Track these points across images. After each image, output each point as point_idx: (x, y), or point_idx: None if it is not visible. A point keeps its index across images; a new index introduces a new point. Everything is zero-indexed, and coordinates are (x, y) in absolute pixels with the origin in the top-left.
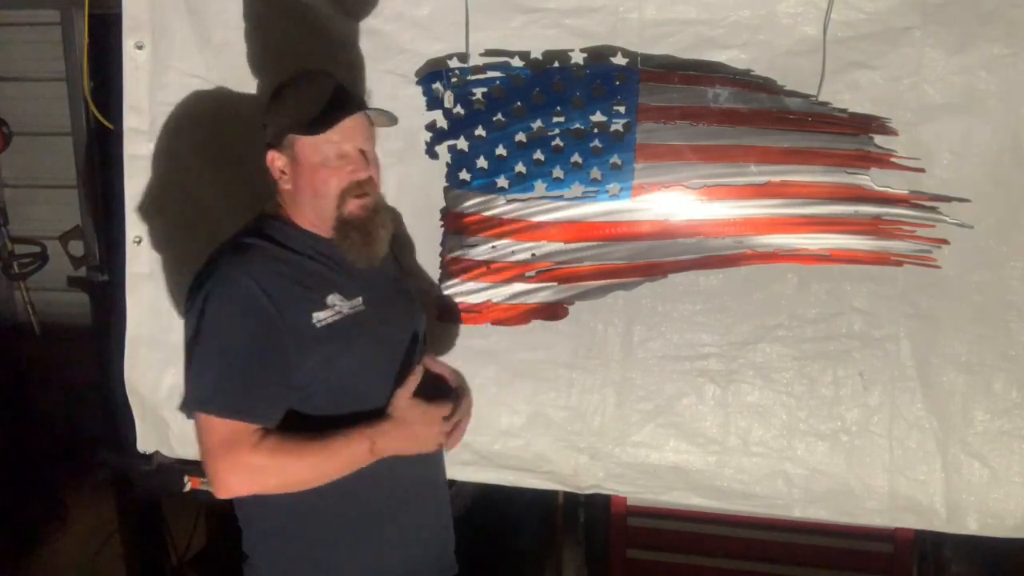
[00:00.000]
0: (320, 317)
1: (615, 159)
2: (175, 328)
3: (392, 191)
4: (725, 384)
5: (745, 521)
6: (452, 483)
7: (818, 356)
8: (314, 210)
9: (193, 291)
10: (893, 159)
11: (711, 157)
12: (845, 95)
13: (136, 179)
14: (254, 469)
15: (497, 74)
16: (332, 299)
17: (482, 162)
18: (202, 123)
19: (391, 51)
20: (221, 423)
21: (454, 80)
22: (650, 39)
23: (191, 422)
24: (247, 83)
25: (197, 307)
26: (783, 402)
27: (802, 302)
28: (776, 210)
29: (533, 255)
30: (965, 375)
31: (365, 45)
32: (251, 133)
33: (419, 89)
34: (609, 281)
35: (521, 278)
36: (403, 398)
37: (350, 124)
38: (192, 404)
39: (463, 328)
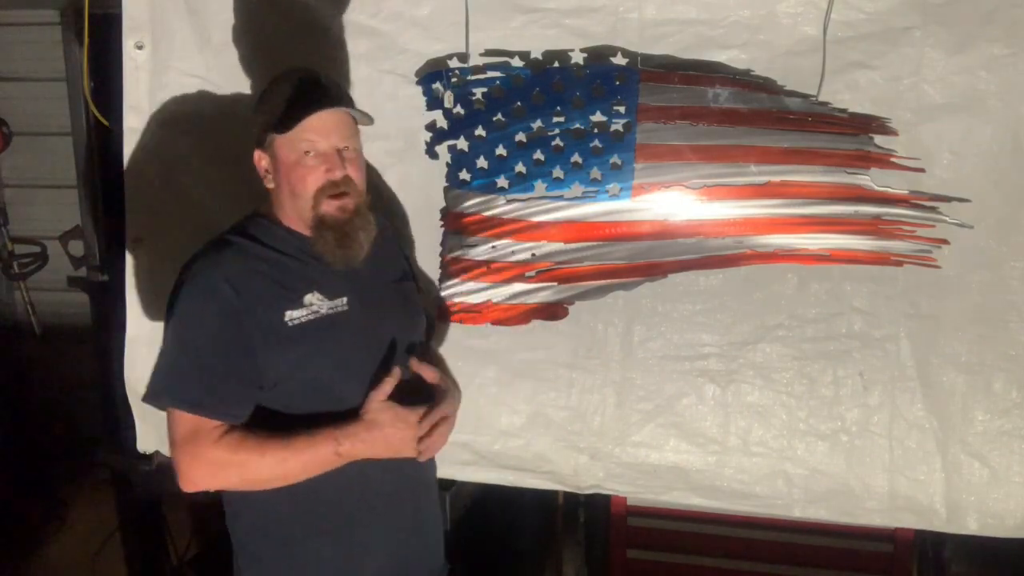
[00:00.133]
0: (294, 316)
1: (615, 159)
2: None
3: (392, 191)
4: (725, 384)
5: (745, 521)
6: (452, 483)
7: (818, 356)
8: (294, 209)
9: (173, 287)
10: (893, 159)
11: (711, 157)
12: (845, 95)
13: (136, 179)
14: (215, 463)
15: (497, 74)
16: (310, 298)
17: (482, 162)
18: (202, 123)
19: (391, 51)
20: (185, 416)
21: (454, 80)
22: (650, 39)
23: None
24: (247, 83)
25: (171, 302)
26: (783, 402)
27: (802, 302)
28: (776, 210)
29: (533, 255)
30: (965, 375)
31: (365, 45)
32: (250, 133)
33: (419, 89)
34: (609, 281)
35: (521, 278)
36: (376, 400)
37: (325, 123)
38: (152, 396)
39: (463, 328)
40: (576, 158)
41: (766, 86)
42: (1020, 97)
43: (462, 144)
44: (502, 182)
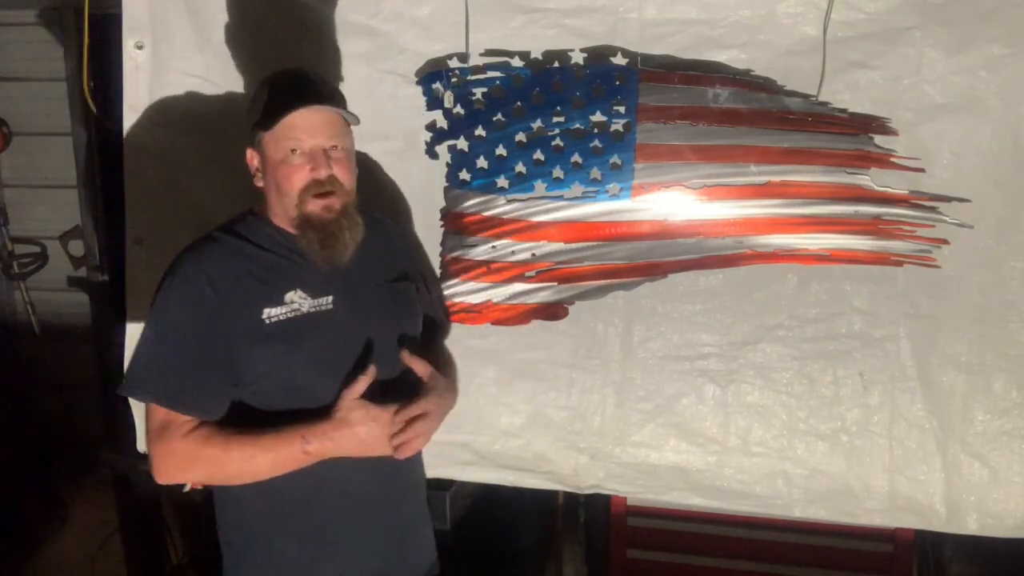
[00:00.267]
0: (272, 313)
1: (615, 159)
2: None
3: (392, 191)
4: (725, 384)
5: (745, 521)
6: (452, 483)
7: (818, 356)
8: (280, 207)
9: (159, 281)
10: (893, 159)
11: (711, 157)
12: (845, 95)
13: (136, 179)
14: (184, 456)
15: (497, 74)
16: (291, 296)
17: (482, 162)
18: (202, 123)
19: (391, 51)
20: (159, 409)
21: (454, 80)
22: (650, 39)
23: None
24: (247, 83)
25: (155, 296)
26: (783, 402)
27: (802, 302)
28: (776, 210)
29: (533, 255)
30: (965, 375)
31: (365, 45)
32: (247, 133)
33: (419, 89)
34: (609, 281)
35: (521, 278)
36: (347, 399)
37: (312, 121)
38: (126, 386)
39: (463, 328)
40: (576, 158)
41: (766, 86)
42: (1020, 97)
43: (462, 144)
44: (502, 182)
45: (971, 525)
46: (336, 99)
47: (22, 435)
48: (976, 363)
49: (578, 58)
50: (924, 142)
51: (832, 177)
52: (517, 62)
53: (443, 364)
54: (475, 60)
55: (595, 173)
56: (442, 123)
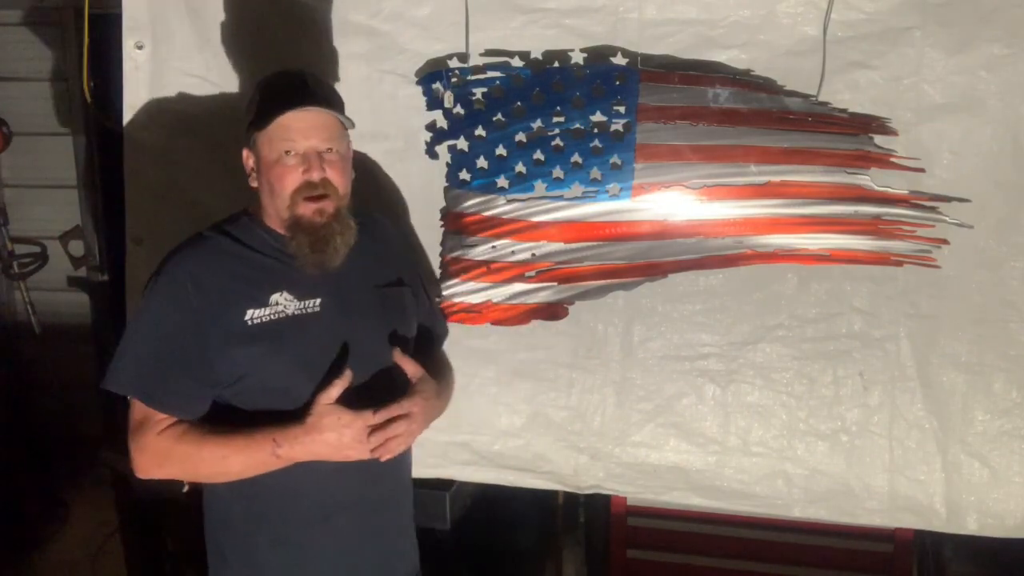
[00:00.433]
0: (255, 315)
1: (615, 159)
2: None
3: (392, 191)
4: (725, 384)
5: (745, 521)
6: (452, 483)
7: (818, 356)
8: (273, 208)
9: (148, 278)
10: (893, 159)
11: (711, 157)
12: (845, 95)
13: (136, 179)
14: (159, 453)
15: (497, 74)
16: (276, 298)
17: (482, 162)
18: (202, 123)
19: (391, 51)
20: (138, 404)
21: (454, 80)
22: (650, 39)
23: None
24: (247, 83)
25: (144, 293)
26: (783, 402)
27: (802, 302)
28: (776, 210)
29: (533, 255)
30: (965, 375)
31: (365, 45)
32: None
33: (419, 89)
34: (609, 281)
35: (521, 278)
36: (321, 404)
37: (307, 123)
38: (108, 380)
39: (463, 328)
40: (576, 158)
41: (766, 86)
42: (1020, 97)
43: (462, 144)
44: (502, 182)
45: (971, 525)
46: (333, 102)
47: (22, 435)
48: (976, 363)
49: (578, 58)
50: (924, 142)
51: (832, 177)
52: (517, 62)
53: (436, 370)
54: (475, 60)
55: (595, 173)
56: (442, 123)
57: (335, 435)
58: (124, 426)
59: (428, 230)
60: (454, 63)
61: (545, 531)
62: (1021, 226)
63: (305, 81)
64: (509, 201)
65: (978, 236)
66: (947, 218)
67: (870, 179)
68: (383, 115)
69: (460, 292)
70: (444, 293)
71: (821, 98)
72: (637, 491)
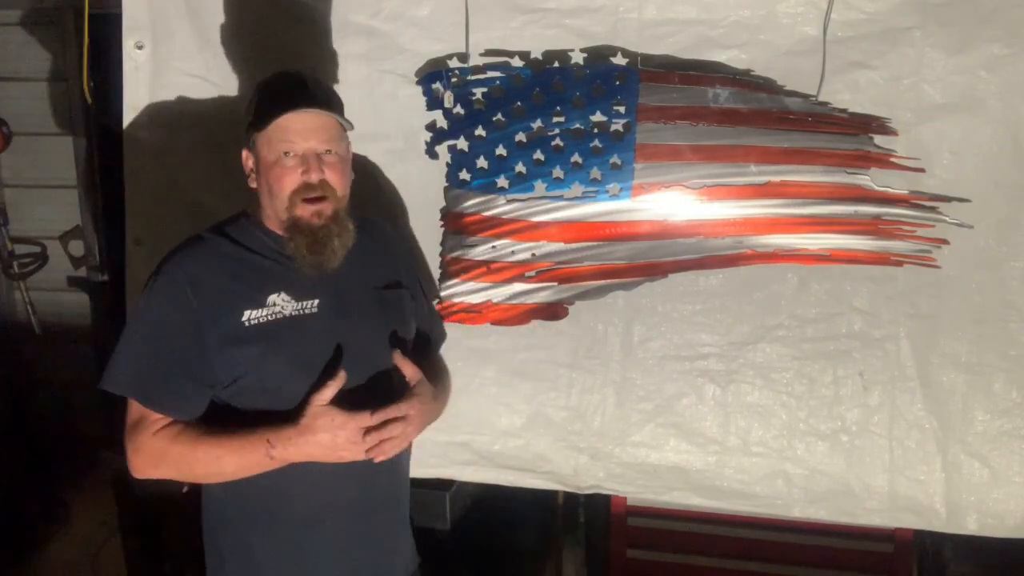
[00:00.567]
0: (252, 315)
1: (615, 159)
2: None
3: (392, 191)
4: (725, 384)
5: (745, 521)
6: (452, 483)
7: (818, 356)
8: (271, 209)
9: (147, 279)
10: (893, 159)
11: (711, 157)
12: (845, 95)
13: (136, 179)
14: (154, 453)
15: (497, 74)
16: (273, 299)
17: (482, 162)
18: (202, 123)
19: (391, 51)
20: (135, 404)
21: (454, 80)
22: (650, 39)
23: None
24: (247, 83)
25: (143, 294)
26: (783, 402)
27: (802, 302)
28: (776, 210)
29: (533, 255)
30: (965, 375)
31: (365, 45)
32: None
33: (419, 89)
34: (609, 281)
35: (521, 278)
36: (315, 405)
37: (306, 124)
38: (105, 380)
39: (463, 328)
40: (576, 158)
41: (766, 86)
42: (1020, 97)
43: (462, 144)
44: (502, 182)
45: (971, 525)
46: (332, 103)
47: (22, 435)
48: (976, 363)
49: (578, 58)
50: (924, 142)
51: (832, 177)
52: (517, 62)
53: (434, 373)
54: (475, 60)
55: (595, 173)
56: (442, 123)
57: (329, 436)
58: (121, 426)
59: (428, 230)
60: (454, 63)
61: (545, 531)
62: (1021, 226)
63: (304, 82)
64: (509, 201)
65: (978, 236)
66: (947, 218)
67: (870, 179)
68: (383, 115)
69: (460, 292)
70: (444, 293)
71: (821, 98)
72: (637, 491)
